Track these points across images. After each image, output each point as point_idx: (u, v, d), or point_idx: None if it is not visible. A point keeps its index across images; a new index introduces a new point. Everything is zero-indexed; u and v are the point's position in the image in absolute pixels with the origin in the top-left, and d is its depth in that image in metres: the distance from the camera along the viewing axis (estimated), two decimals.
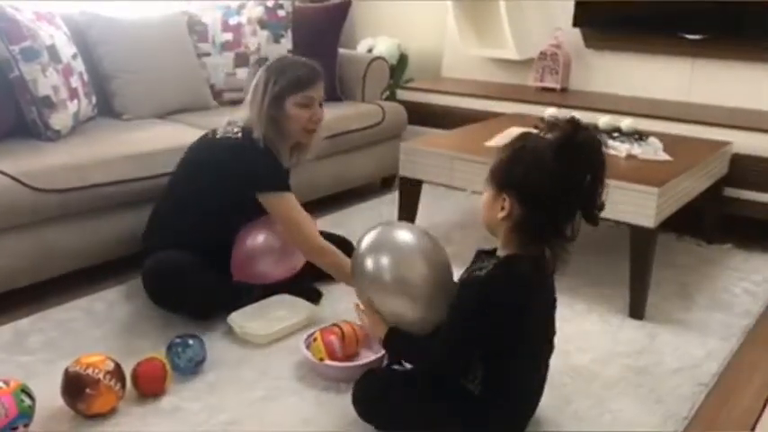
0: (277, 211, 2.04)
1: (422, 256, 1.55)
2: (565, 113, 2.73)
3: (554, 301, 1.55)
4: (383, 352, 1.80)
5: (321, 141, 2.27)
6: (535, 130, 1.45)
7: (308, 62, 2.13)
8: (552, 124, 1.39)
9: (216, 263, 2.05)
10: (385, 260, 1.54)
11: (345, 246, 2.38)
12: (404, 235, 1.59)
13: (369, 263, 1.56)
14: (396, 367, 1.73)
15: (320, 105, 2.11)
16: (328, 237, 2.41)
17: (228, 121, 2.12)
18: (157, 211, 2.18)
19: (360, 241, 1.62)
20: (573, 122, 1.36)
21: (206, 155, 2.11)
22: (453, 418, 1.48)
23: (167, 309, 2.06)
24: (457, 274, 1.59)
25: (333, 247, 2.04)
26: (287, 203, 2.03)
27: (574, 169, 1.35)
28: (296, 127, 2.08)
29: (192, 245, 2.02)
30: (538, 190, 1.36)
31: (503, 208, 1.41)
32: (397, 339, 1.54)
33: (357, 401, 1.58)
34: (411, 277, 1.53)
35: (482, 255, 1.54)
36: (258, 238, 2.09)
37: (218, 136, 2.09)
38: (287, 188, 2.06)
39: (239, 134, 2.05)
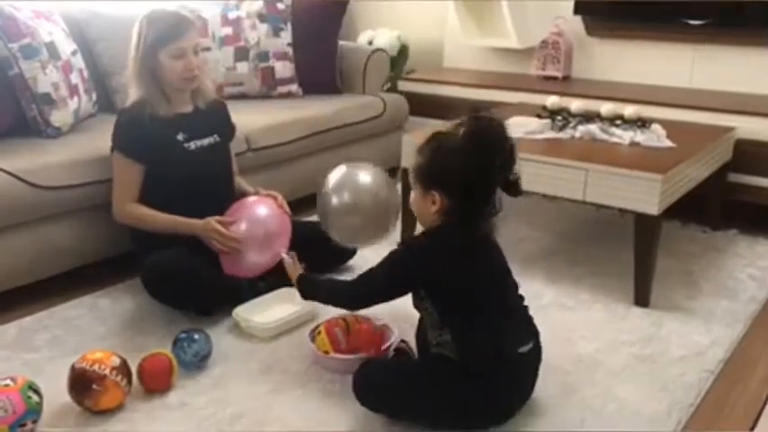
0: (113, 171, 2.14)
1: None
2: (565, 102, 2.73)
3: (497, 247, 1.62)
4: (388, 343, 1.81)
5: (213, 83, 2.35)
6: (446, 127, 1.57)
7: (177, 13, 2.14)
8: (458, 122, 1.53)
9: (208, 252, 2.06)
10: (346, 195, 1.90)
11: None
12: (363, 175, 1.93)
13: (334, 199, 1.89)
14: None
15: (195, 53, 2.11)
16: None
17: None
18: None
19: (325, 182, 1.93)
20: (474, 115, 1.52)
21: None
22: (448, 397, 1.52)
23: (171, 307, 2.06)
24: None
25: (144, 211, 2.09)
26: (114, 166, 2.13)
27: (485, 155, 1.48)
28: (172, 77, 2.10)
29: (177, 239, 2.03)
30: (460, 182, 1.49)
31: (434, 203, 1.53)
32: (306, 283, 1.77)
33: (357, 389, 1.60)
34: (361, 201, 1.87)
35: None
36: (238, 229, 2.07)
37: None
38: (121, 151, 2.10)
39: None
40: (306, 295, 1.78)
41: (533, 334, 1.61)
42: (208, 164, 2.19)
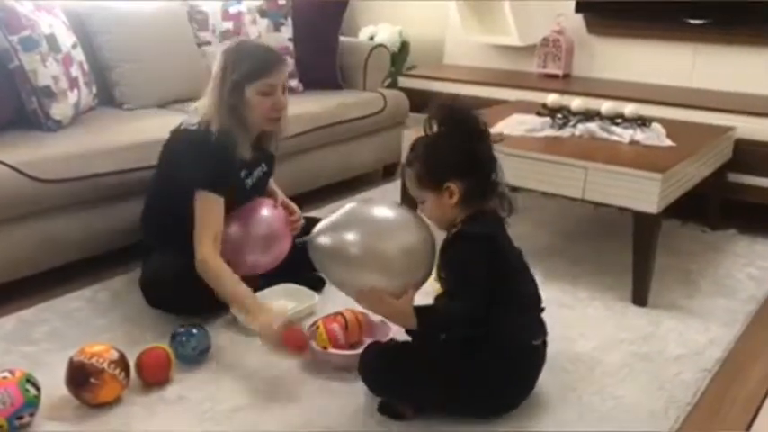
0: (196, 207, 1.92)
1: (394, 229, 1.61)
2: (565, 100, 2.73)
3: (518, 250, 1.66)
4: (387, 338, 1.81)
5: (288, 125, 2.15)
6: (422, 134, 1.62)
7: (267, 47, 2.05)
8: (426, 120, 1.60)
9: None
10: (352, 236, 1.58)
11: None
12: (377, 210, 1.65)
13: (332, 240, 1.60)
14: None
15: (283, 92, 1.99)
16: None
17: (195, 107, 2.04)
18: (147, 206, 2.14)
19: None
20: (434, 107, 1.60)
21: (168, 149, 2.06)
22: (452, 379, 1.54)
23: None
24: None
25: (221, 269, 1.86)
26: (202, 203, 1.92)
27: (465, 126, 1.57)
28: (257, 116, 1.96)
29: (185, 247, 1.94)
30: (465, 157, 1.55)
31: (451, 195, 1.56)
32: (430, 321, 1.56)
33: (365, 374, 1.62)
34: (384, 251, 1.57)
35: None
36: (241, 229, 2.03)
37: (181, 128, 2.03)
38: (211, 188, 1.92)
39: (196, 126, 1.96)
40: (431, 329, 1.59)
41: (544, 332, 1.64)
42: (255, 195, 2.11)
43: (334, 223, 1.62)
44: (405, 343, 1.69)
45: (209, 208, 1.93)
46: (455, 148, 1.56)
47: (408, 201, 2.60)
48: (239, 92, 1.92)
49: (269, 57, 1.97)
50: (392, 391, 1.61)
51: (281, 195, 2.23)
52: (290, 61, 3.13)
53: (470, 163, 1.56)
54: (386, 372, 1.61)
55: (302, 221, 2.18)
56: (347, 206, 1.66)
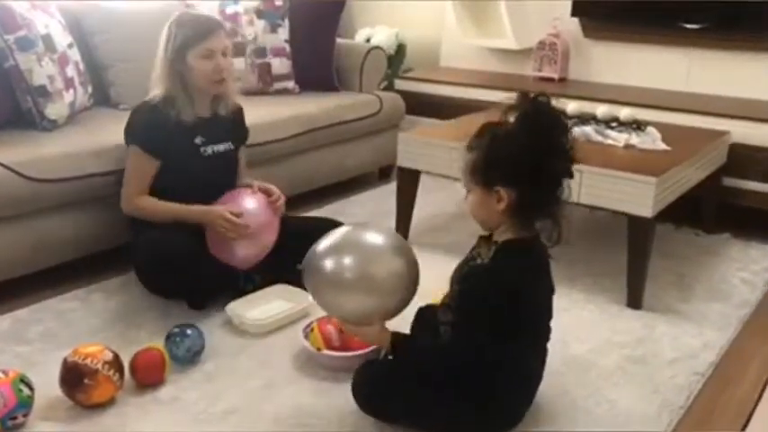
0: (126, 163, 2.12)
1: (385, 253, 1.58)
2: (561, 104, 2.73)
3: (551, 286, 1.57)
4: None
5: (237, 88, 2.31)
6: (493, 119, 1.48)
7: (205, 15, 2.18)
8: (507, 107, 1.44)
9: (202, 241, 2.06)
10: (348, 260, 1.53)
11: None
12: (368, 235, 1.60)
13: (329, 263, 1.55)
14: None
15: (224, 55, 2.10)
16: (321, 221, 2.38)
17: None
18: None
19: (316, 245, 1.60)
20: (523, 96, 1.42)
21: None
22: (455, 404, 1.48)
23: (161, 295, 2.06)
24: (455, 262, 1.60)
25: (153, 202, 2.08)
26: (132, 159, 2.10)
27: (544, 134, 1.40)
28: (202, 80, 2.08)
29: (174, 228, 2.02)
30: (526, 169, 1.40)
31: (499, 200, 1.43)
32: (406, 348, 1.53)
33: (357, 393, 1.58)
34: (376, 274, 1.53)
35: (481, 240, 1.56)
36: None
37: None
38: (142, 145, 2.07)
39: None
40: (405, 356, 1.55)
41: (544, 358, 1.61)
42: (219, 170, 2.18)
43: (333, 246, 1.58)
44: (398, 362, 1.63)
45: (136, 164, 2.09)
46: (522, 153, 1.38)
47: (403, 202, 2.61)
48: (181, 58, 2.06)
49: (206, 23, 2.10)
50: (388, 413, 1.55)
51: (256, 183, 2.23)
52: (287, 62, 3.13)
53: (533, 176, 1.38)
54: (379, 392, 1.55)
55: (283, 199, 2.20)
56: (341, 230, 1.63)
